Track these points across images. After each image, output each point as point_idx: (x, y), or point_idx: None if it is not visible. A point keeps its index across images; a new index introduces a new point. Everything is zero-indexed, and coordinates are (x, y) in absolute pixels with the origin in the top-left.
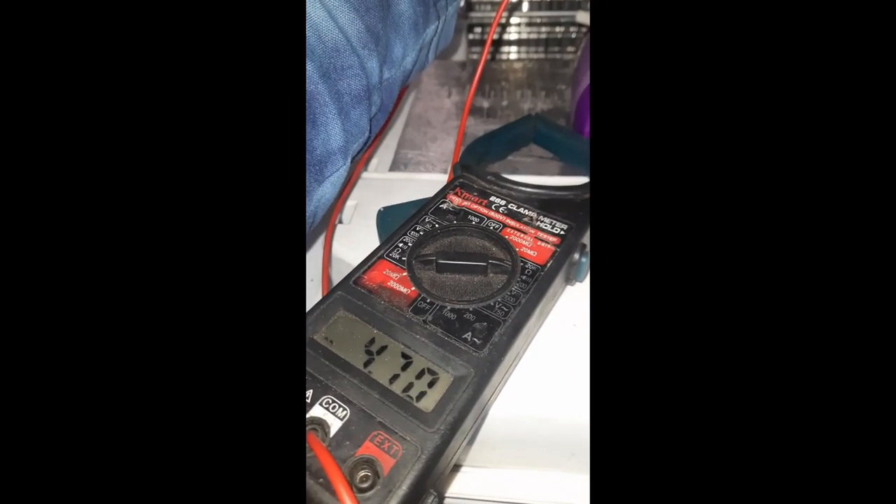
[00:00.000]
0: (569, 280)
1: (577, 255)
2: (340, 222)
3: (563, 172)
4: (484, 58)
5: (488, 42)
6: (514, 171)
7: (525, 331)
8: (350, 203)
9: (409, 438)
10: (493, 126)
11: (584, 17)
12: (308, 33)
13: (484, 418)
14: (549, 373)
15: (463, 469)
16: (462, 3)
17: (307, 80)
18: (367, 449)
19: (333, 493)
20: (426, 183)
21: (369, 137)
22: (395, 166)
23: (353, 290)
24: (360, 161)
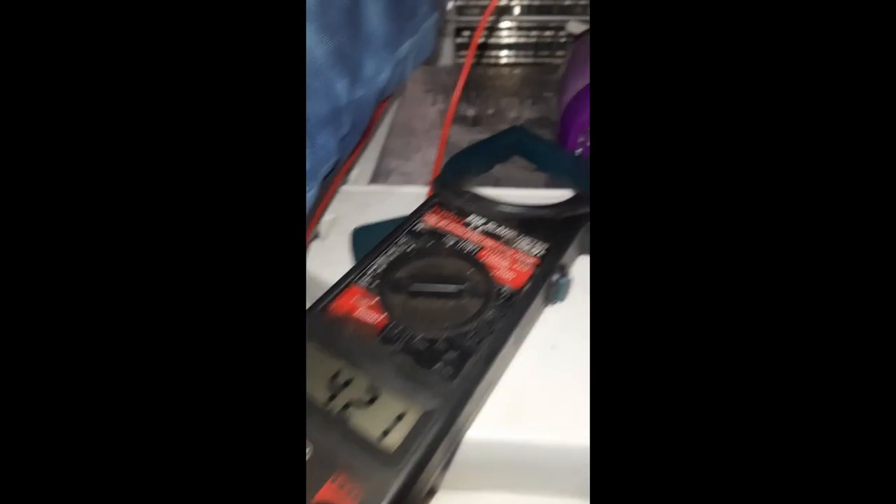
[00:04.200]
0: (548, 301)
1: (555, 277)
2: (317, 237)
3: (549, 184)
4: (467, 65)
5: (472, 48)
6: (498, 183)
7: (499, 359)
8: (327, 217)
9: (371, 479)
10: (478, 135)
11: (574, 26)
12: None
13: (457, 446)
14: (527, 396)
15: (438, 495)
16: (450, 7)
17: None
18: (328, 492)
19: None
20: (407, 196)
21: (341, 159)
22: (376, 177)
23: (319, 319)
24: (339, 173)
